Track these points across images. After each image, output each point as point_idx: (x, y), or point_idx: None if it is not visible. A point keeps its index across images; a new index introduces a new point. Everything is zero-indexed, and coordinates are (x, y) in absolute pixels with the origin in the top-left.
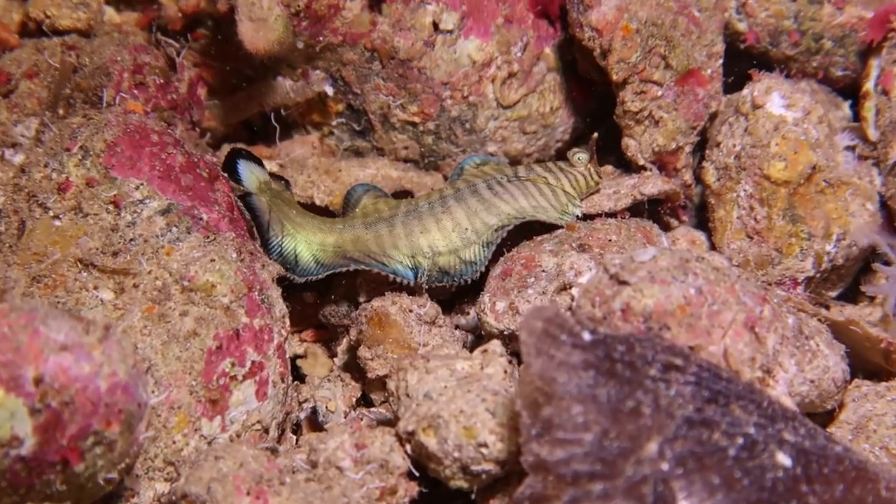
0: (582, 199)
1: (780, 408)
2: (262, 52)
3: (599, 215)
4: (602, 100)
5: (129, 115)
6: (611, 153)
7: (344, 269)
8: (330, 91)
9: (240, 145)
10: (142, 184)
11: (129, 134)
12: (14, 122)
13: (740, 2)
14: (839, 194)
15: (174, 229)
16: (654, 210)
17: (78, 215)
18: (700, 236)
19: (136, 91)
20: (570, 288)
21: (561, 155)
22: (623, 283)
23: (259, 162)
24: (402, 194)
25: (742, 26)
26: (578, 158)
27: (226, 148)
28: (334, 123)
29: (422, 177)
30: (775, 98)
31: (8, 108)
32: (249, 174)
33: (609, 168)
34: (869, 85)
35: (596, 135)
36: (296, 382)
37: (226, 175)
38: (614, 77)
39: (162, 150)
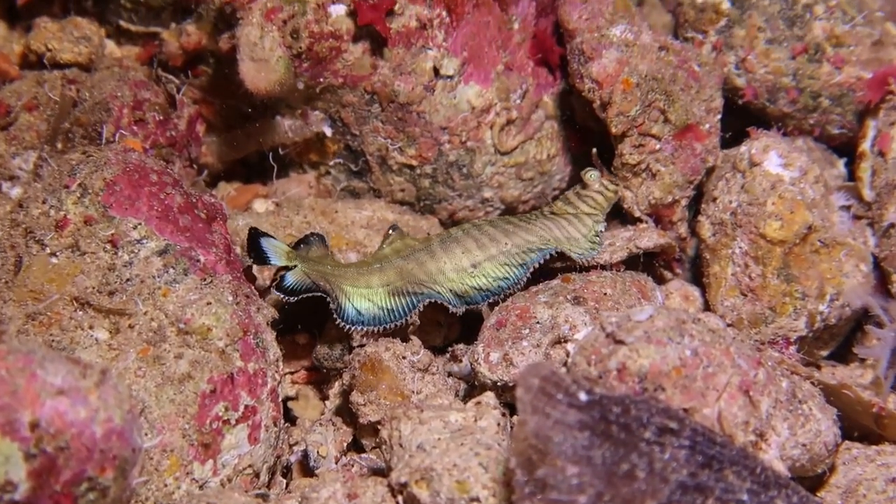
0: (605, 214)
1: (774, 474)
2: (264, 92)
3: (595, 267)
4: (599, 149)
5: (128, 154)
6: None
7: (414, 310)
8: (328, 132)
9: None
10: (140, 223)
11: (128, 173)
12: (12, 154)
13: (739, 57)
14: (834, 255)
15: (171, 270)
16: (648, 262)
17: (75, 253)
18: (694, 291)
19: (135, 127)
20: (565, 342)
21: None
22: (619, 342)
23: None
24: None
25: (741, 82)
26: (591, 177)
27: (223, 186)
28: (331, 163)
29: (418, 220)
30: (773, 157)
31: (6, 141)
32: (275, 249)
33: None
34: (865, 145)
35: (595, 150)
36: (286, 424)
37: (253, 259)
38: (613, 130)
39: (161, 189)
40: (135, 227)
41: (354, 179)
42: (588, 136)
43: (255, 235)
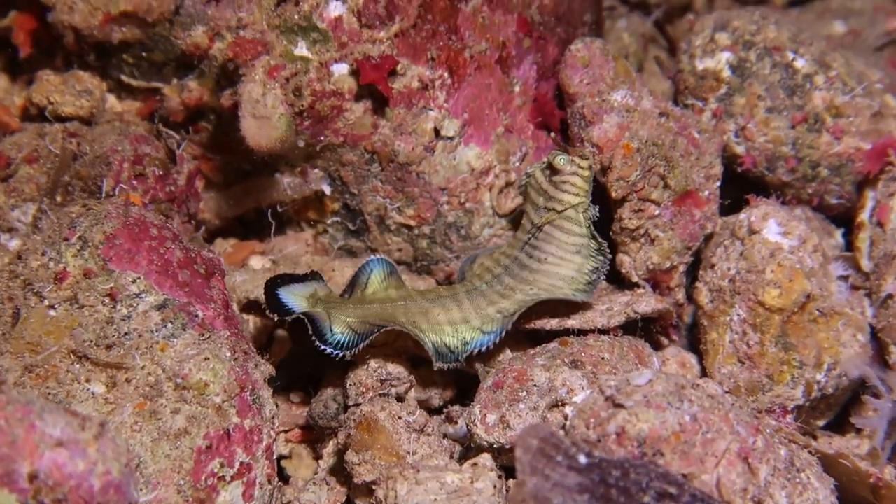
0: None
1: None
2: (265, 149)
3: (593, 331)
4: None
5: (129, 208)
6: None
7: (381, 330)
8: (328, 190)
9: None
10: (139, 277)
11: (128, 227)
12: (11, 206)
13: (739, 125)
14: (831, 324)
15: (169, 325)
16: (645, 327)
17: (73, 306)
18: (691, 358)
19: (135, 182)
20: (562, 405)
21: None
22: (619, 406)
23: (298, 278)
24: None
25: (740, 149)
26: (561, 160)
27: (220, 242)
28: (329, 222)
29: (414, 280)
30: (772, 225)
31: (6, 192)
32: (295, 298)
33: (602, 283)
34: (864, 216)
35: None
36: (279, 483)
37: (275, 313)
38: (613, 194)
39: (160, 244)
40: (134, 281)
41: (352, 238)
42: None
43: (271, 288)
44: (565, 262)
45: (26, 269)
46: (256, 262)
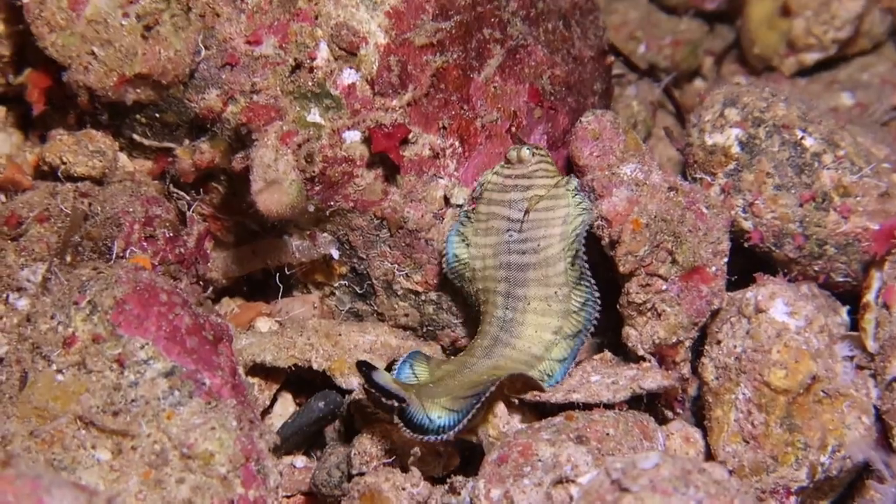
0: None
1: None
2: (275, 215)
3: (598, 405)
4: (602, 283)
5: (139, 272)
6: (607, 335)
7: (484, 395)
8: (336, 255)
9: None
10: (147, 343)
11: (138, 292)
12: (21, 265)
13: (748, 201)
14: (836, 405)
15: (176, 393)
16: (650, 400)
17: (81, 371)
18: (695, 433)
19: (145, 243)
20: (567, 482)
21: None
22: (625, 489)
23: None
24: None
25: (748, 225)
26: (526, 152)
27: (226, 302)
28: (336, 285)
29: (421, 347)
30: (779, 304)
31: (16, 252)
32: (396, 386)
33: (608, 355)
34: (870, 297)
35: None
36: None
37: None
38: (621, 269)
39: (170, 310)
40: (142, 347)
41: (359, 302)
42: (592, 268)
43: (368, 374)
44: (552, 237)
45: (35, 332)
46: (263, 324)
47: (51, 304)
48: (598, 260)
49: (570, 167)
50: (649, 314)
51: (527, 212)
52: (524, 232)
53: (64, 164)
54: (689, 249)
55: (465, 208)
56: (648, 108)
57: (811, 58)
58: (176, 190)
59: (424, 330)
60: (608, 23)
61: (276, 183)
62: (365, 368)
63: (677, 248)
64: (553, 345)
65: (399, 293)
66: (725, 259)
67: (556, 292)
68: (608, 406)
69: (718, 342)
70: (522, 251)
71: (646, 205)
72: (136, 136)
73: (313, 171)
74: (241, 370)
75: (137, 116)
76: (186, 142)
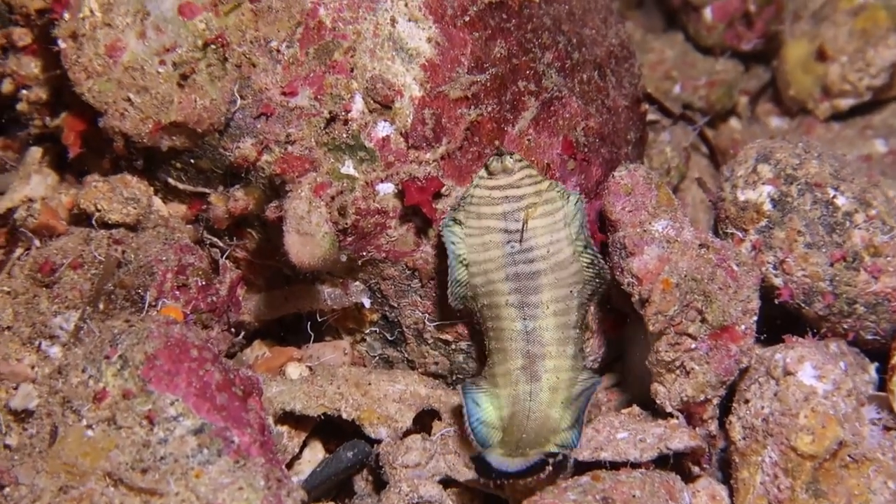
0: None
1: None
2: (307, 266)
3: (625, 464)
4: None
5: (170, 327)
6: (634, 386)
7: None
8: (367, 304)
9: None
10: (177, 400)
11: (169, 347)
12: (54, 313)
13: (778, 259)
14: (862, 470)
15: (205, 451)
16: (677, 455)
17: (111, 427)
18: (721, 492)
19: (177, 292)
20: None
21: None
22: None
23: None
24: (429, 414)
25: (778, 282)
26: (508, 161)
27: (257, 345)
28: (367, 331)
29: (449, 395)
30: (807, 368)
31: (49, 299)
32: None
33: (636, 409)
34: None
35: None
36: None
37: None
38: (651, 328)
39: (200, 366)
40: (172, 404)
41: (389, 348)
42: (623, 320)
43: (482, 462)
44: (560, 242)
45: (66, 386)
46: (294, 370)
47: (82, 357)
48: (630, 312)
49: (602, 220)
50: (678, 372)
51: (525, 222)
52: (527, 241)
53: (98, 211)
54: (718, 308)
55: (450, 229)
56: (682, 154)
57: (845, 103)
58: (209, 236)
59: (454, 378)
60: (644, 61)
61: (308, 235)
62: (486, 468)
63: (707, 307)
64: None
65: (429, 341)
66: (755, 318)
67: (571, 291)
68: (635, 465)
69: (746, 401)
70: (530, 259)
71: (676, 263)
72: (170, 181)
73: (346, 224)
74: (270, 422)
75: (172, 162)
76: (220, 188)
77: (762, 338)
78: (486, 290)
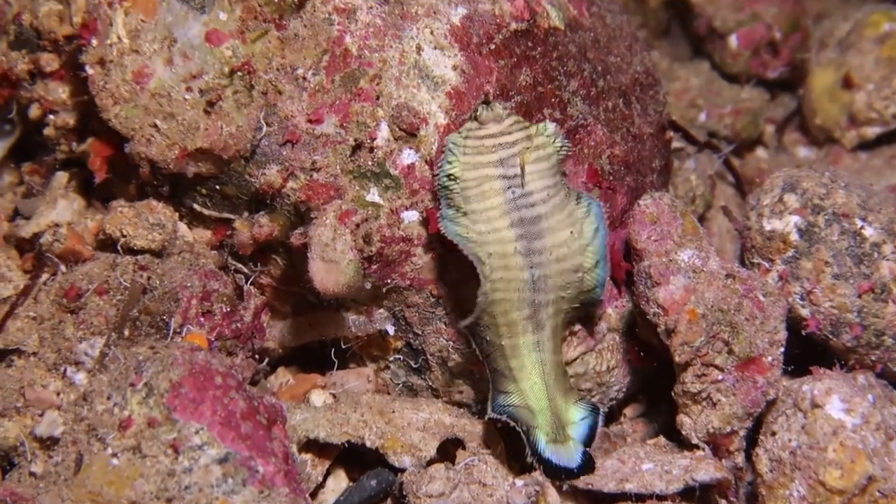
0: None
1: None
2: (332, 294)
3: (651, 496)
4: (658, 365)
5: (195, 354)
6: (660, 417)
7: None
8: (391, 331)
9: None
10: (202, 429)
11: (194, 375)
12: (79, 339)
13: (805, 289)
14: None
15: (230, 480)
16: (703, 488)
17: (136, 455)
18: None
19: (202, 318)
20: None
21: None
22: None
23: None
24: (453, 443)
25: (805, 312)
26: (500, 109)
27: (282, 372)
28: (391, 358)
29: (475, 425)
30: (835, 401)
31: (74, 325)
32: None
33: (662, 440)
34: None
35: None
36: None
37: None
38: (677, 359)
39: (225, 394)
40: (197, 433)
41: (413, 376)
42: (649, 350)
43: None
44: (556, 186)
45: (91, 413)
46: (317, 397)
47: (107, 384)
48: (655, 342)
49: (628, 249)
50: (704, 403)
51: (522, 167)
52: (528, 185)
53: (124, 236)
54: (745, 339)
55: (441, 183)
56: (707, 182)
57: (872, 132)
58: (234, 262)
59: (479, 407)
60: (670, 89)
61: (333, 262)
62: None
63: (734, 339)
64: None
65: (454, 370)
66: (782, 349)
67: (571, 232)
68: (661, 497)
69: (773, 433)
70: (531, 204)
71: (703, 293)
72: (195, 206)
73: (371, 251)
74: (294, 450)
75: (198, 187)
76: (246, 213)
77: (789, 369)
78: (487, 238)
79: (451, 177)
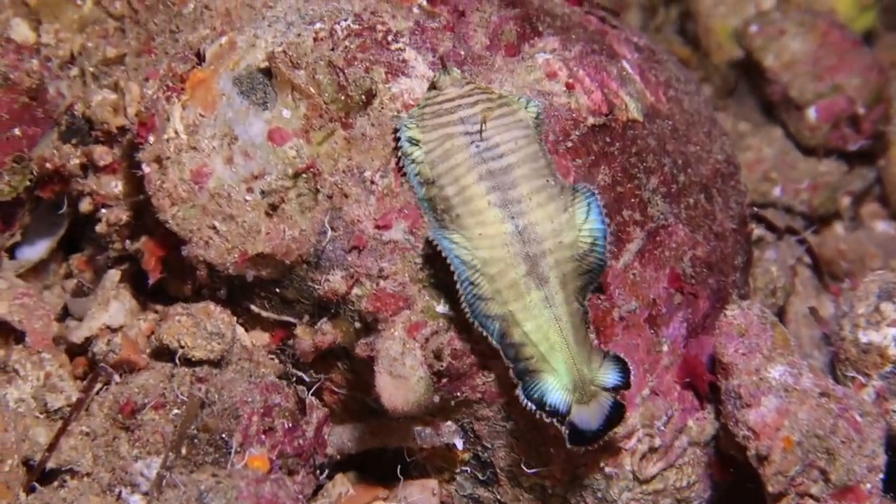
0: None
1: None
2: (401, 412)
3: None
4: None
5: (260, 485)
6: None
7: None
8: (460, 445)
9: None
10: None
11: None
12: (135, 457)
13: None
14: None
15: None
16: None
17: None
18: None
19: (263, 436)
20: None
21: None
22: None
23: None
24: None
25: None
26: (456, 72)
27: (340, 479)
28: (458, 470)
29: None
30: None
31: (129, 442)
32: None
33: None
34: None
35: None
36: None
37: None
38: (770, 489)
39: None
40: None
41: (480, 488)
42: (731, 464)
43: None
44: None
45: None
46: None
47: None
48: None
49: (713, 362)
50: None
51: (483, 121)
52: (490, 138)
53: (182, 347)
54: (842, 466)
55: (405, 151)
56: (788, 273)
57: None
58: (295, 371)
59: None
60: (742, 160)
61: (402, 378)
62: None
63: (830, 466)
64: (571, 217)
65: (524, 485)
66: (881, 475)
67: (547, 181)
68: None
69: None
70: (500, 154)
71: (796, 415)
72: (253, 308)
73: (441, 367)
74: None
75: (257, 290)
76: (306, 317)
77: (890, 496)
78: (461, 198)
79: (412, 140)
